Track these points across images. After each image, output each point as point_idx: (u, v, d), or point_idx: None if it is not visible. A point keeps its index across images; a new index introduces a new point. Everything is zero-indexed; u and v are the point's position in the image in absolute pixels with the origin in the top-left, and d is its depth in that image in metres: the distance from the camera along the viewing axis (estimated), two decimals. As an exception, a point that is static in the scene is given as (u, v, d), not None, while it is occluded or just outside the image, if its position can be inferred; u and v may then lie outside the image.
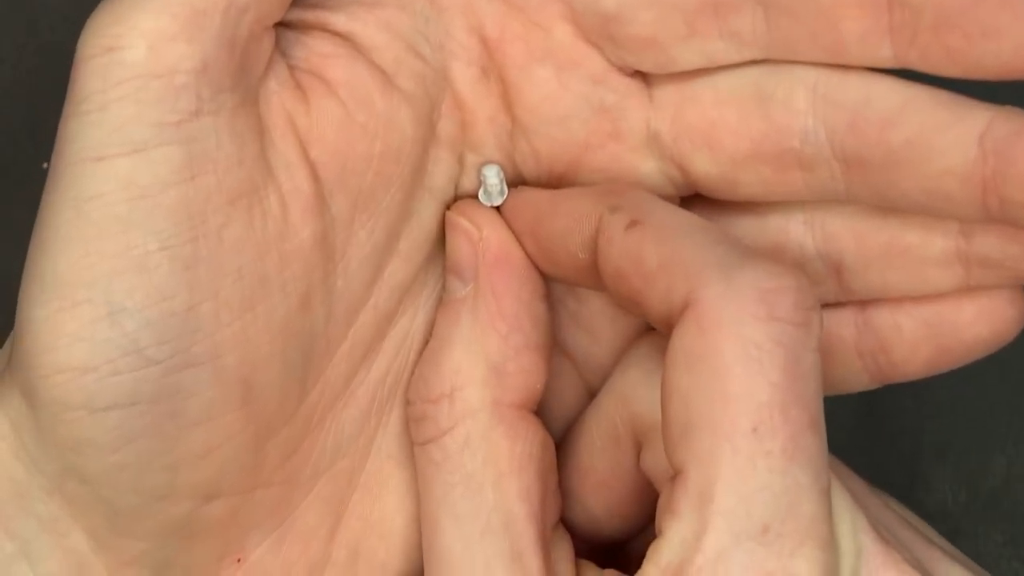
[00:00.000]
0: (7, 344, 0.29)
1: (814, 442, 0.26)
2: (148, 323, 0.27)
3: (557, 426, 0.33)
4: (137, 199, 0.26)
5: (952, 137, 0.28)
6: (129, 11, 0.27)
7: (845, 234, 0.31)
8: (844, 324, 0.31)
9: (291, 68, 0.29)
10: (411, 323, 0.31)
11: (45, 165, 0.47)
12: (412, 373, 0.31)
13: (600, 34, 0.30)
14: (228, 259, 0.27)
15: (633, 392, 0.30)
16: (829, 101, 0.29)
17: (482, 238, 0.30)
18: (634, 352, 0.31)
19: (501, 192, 0.31)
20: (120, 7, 0.27)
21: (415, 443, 0.30)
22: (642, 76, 0.31)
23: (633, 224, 0.28)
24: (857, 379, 0.32)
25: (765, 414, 0.25)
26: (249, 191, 0.28)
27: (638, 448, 0.30)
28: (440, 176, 0.31)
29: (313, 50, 0.29)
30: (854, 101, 0.29)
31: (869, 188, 0.29)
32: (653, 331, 0.31)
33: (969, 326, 0.30)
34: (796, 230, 0.31)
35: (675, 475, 0.26)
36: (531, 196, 0.31)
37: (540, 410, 0.31)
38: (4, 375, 0.28)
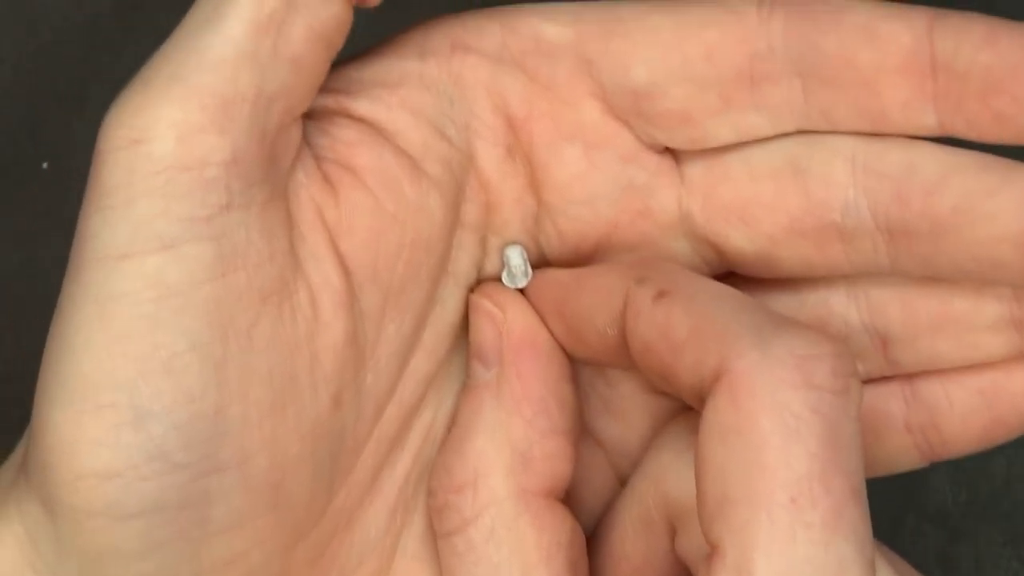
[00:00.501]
0: (20, 446, 0.28)
1: (857, 513, 0.25)
2: (175, 427, 0.26)
3: (588, 515, 0.32)
4: (166, 298, 0.26)
5: (1001, 201, 0.27)
6: (155, 102, 0.26)
7: (891, 305, 0.30)
8: (892, 399, 0.30)
9: (317, 158, 0.28)
10: (434, 415, 0.30)
11: (45, 165, 0.47)
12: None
13: (630, 111, 0.29)
14: (258, 359, 0.26)
15: (666, 474, 0.28)
16: (870, 171, 0.28)
17: (506, 320, 0.29)
18: (666, 434, 0.29)
19: (525, 273, 0.30)
20: (144, 97, 0.26)
21: (438, 535, 0.29)
22: (671, 153, 0.30)
23: (661, 295, 0.27)
24: (907, 457, 0.30)
25: (804, 485, 0.24)
26: (279, 288, 0.27)
27: (672, 533, 0.29)
28: (464, 261, 0.30)
29: (337, 138, 0.28)
30: (896, 170, 0.28)
31: (915, 258, 0.28)
32: (686, 413, 0.30)
33: None
34: (839, 303, 0.30)
35: (711, 552, 0.25)
36: (556, 275, 0.30)
37: (570, 499, 0.30)
38: (18, 479, 0.27)
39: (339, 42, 0.27)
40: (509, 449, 0.29)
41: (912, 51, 0.27)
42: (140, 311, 0.25)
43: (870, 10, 0.28)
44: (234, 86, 0.26)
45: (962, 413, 0.30)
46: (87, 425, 0.25)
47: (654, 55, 0.28)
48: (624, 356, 0.28)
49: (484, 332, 0.30)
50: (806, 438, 0.24)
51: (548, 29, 0.29)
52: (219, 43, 0.26)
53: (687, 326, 0.26)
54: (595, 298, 0.29)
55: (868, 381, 0.30)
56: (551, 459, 0.29)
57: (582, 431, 0.31)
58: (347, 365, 0.28)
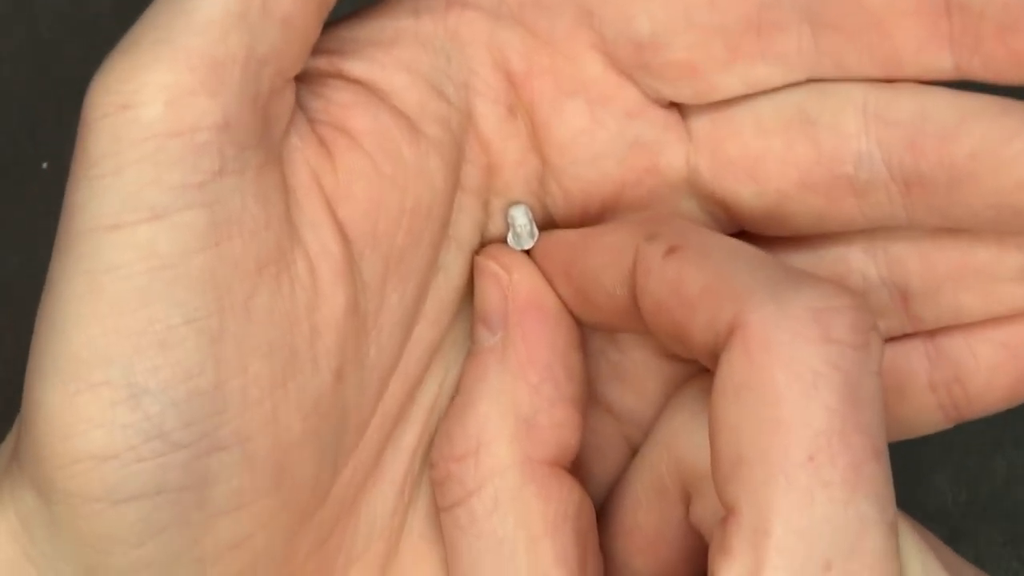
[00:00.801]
0: (12, 433, 0.27)
1: (878, 472, 0.23)
2: (173, 404, 0.25)
3: (598, 487, 0.31)
4: (159, 269, 0.25)
5: (1020, 146, 0.26)
6: (142, 66, 0.25)
7: (910, 258, 0.29)
8: (914, 357, 0.29)
9: (311, 122, 0.27)
10: (439, 388, 0.30)
11: (45, 165, 0.47)
12: None
13: (634, 63, 0.28)
14: (257, 332, 0.26)
15: (679, 439, 0.28)
16: (882, 120, 0.27)
17: (512, 282, 0.29)
18: (679, 398, 0.29)
19: (531, 234, 0.29)
20: (131, 62, 0.25)
21: (440, 508, 0.28)
22: (677, 107, 0.29)
23: (672, 251, 0.26)
24: (931, 418, 0.29)
25: (823, 442, 0.23)
26: (277, 257, 0.26)
27: (686, 501, 0.28)
28: (466, 225, 0.29)
29: (332, 100, 0.27)
30: (909, 117, 0.27)
31: (932, 209, 0.27)
32: (699, 376, 0.29)
33: None
34: (856, 259, 0.29)
35: (726, 514, 0.24)
36: (563, 235, 0.29)
37: (579, 469, 0.29)
38: (11, 466, 0.26)
39: (331, 1, 0.27)
40: (514, 416, 0.28)
41: None
42: (132, 284, 0.25)
43: None
44: (224, 47, 0.25)
45: (988, 369, 0.29)
46: (81, 405, 0.25)
47: (656, 4, 0.28)
48: (634, 318, 0.27)
49: (489, 295, 0.29)
50: (824, 393, 0.23)
51: None
52: (207, 3, 0.25)
53: (699, 282, 0.25)
54: (603, 257, 0.28)
55: (890, 339, 0.29)
56: (558, 427, 0.28)
57: (591, 399, 0.30)
58: (349, 338, 0.27)
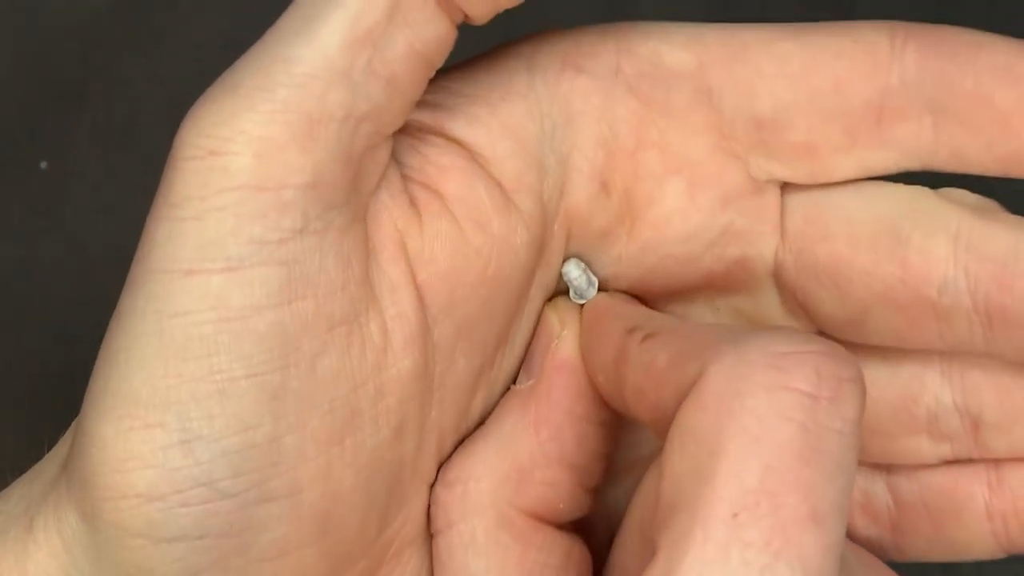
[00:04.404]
0: (63, 441, 0.27)
1: (813, 540, 0.22)
2: (224, 453, 0.25)
3: None
4: (226, 320, 0.24)
5: None
6: (237, 113, 0.24)
7: (986, 388, 0.28)
8: (976, 482, 0.29)
9: (404, 179, 0.27)
10: None
11: (44, 165, 0.47)
12: None
13: (751, 142, 0.28)
14: (320, 391, 0.25)
15: (650, 484, 0.27)
16: (972, 250, 0.27)
17: (560, 337, 0.28)
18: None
19: (589, 284, 0.29)
20: (227, 106, 0.24)
21: (431, 531, 0.28)
22: (776, 196, 0.28)
23: (648, 337, 0.26)
24: (984, 544, 0.29)
25: (751, 501, 0.22)
26: (350, 318, 0.26)
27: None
28: (538, 298, 0.29)
29: (429, 159, 0.27)
30: (1000, 252, 0.27)
31: (1012, 343, 0.27)
32: None
33: None
34: (932, 380, 0.29)
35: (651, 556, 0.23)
36: (601, 300, 0.29)
37: (592, 538, 0.29)
38: (59, 483, 0.26)
39: (439, 62, 0.26)
40: (511, 462, 0.28)
41: None
42: (198, 331, 0.24)
43: (1008, 47, 0.26)
44: (322, 103, 0.25)
45: None
46: (133, 443, 0.24)
47: (780, 84, 0.27)
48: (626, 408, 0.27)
49: (539, 342, 0.29)
50: (765, 448, 0.22)
51: (668, 53, 0.28)
52: (309, 56, 0.25)
53: (668, 353, 0.25)
54: (601, 351, 0.28)
55: (954, 462, 0.29)
56: (548, 486, 0.28)
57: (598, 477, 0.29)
58: (413, 398, 0.27)
